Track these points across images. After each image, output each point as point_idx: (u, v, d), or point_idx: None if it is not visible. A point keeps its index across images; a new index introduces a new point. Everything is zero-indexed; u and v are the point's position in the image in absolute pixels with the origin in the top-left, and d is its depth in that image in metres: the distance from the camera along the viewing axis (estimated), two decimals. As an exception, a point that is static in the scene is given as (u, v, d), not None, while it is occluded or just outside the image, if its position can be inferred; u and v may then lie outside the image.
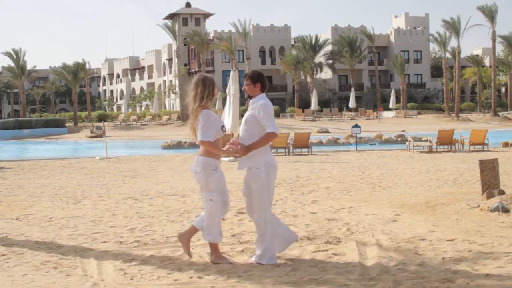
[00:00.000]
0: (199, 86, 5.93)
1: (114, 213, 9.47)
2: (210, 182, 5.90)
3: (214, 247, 6.05)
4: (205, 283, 5.33)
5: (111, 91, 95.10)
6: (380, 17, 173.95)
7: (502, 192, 9.35)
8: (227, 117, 20.77)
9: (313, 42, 68.24)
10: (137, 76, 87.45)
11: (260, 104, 5.95)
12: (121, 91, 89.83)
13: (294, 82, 67.05)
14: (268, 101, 6.03)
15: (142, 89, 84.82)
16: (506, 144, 25.17)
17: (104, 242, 7.24)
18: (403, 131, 42.29)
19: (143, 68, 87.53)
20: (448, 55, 64.60)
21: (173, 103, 73.62)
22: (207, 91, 5.93)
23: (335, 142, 31.57)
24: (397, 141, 31.11)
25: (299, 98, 65.99)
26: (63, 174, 16.84)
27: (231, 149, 5.95)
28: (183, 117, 59.10)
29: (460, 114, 60.13)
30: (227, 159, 21.17)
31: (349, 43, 68.02)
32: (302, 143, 23.97)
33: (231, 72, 22.43)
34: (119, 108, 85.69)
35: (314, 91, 59.52)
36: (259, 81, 6.08)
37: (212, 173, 5.90)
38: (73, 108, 65.55)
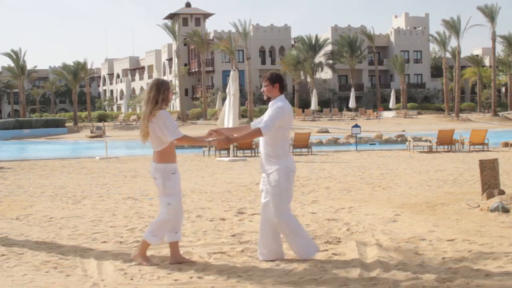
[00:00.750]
0: (153, 91, 5.92)
1: (114, 213, 9.47)
2: (168, 186, 5.92)
3: (145, 246, 6.06)
4: (205, 283, 5.33)
5: (111, 91, 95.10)
6: (380, 17, 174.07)
7: (502, 192, 9.35)
8: (227, 117, 20.72)
9: (313, 42, 68.23)
10: (137, 76, 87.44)
11: (277, 105, 5.99)
12: (121, 91, 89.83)
13: (294, 82, 67.06)
14: (287, 104, 6.05)
15: (142, 89, 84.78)
16: (506, 144, 25.16)
17: (104, 242, 7.24)
18: (403, 131, 42.28)
19: (143, 68, 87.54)
20: (448, 55, 64.59)
21: (173, 103, 73.61)
22: (162, 95, 5.90)
23: (335, 142, 31.56)
24: (397, 141, 31.10)
25: (299, 98, 66.00)
26: (63, 174, 16.84)
27: (214, 140, 5.98)
28: (183, 117, 59.13)
29: (460, 114, 60.12)
30: (227, 159, 21.16)
31: (349, 43, 68.00)
32: (302, 143, 23.97)
33: (231, 72, 22.41)
34: (119, 108, 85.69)
35: (314, 91, 59.53)
36: (277, 81, 6.11)
37: (171, 176, 5.93)
38: (73, 108, 65.53)
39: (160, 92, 5.91)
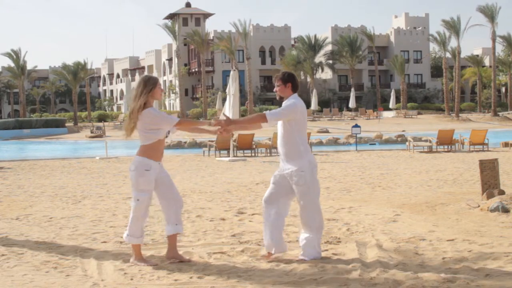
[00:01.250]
0: (140, 86, 5.96)
1: (114, 213, 9.47)
2: (141, 182, 5.92)
3: (135, 248, 6.05)
4: (205, 283, 5.33)
5: (111, 91, 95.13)
6: (380, 17, 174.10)
7: (502, 192, 9.35)
8: (227, 117, 20.67)
9: (313, 42, 68.22)
10: (137, 76, 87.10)
11: (289, 102, 5.96)
12: (121, 91, 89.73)
13: (294, 82, 67.06)
14: (299, 101, 5.99)
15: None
16: (506, 144, 25.16)
17: (104, 242, 7.24)
18: (403, 131, 42.28)
19: (143, 68, 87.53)
20: (448, 55, 64.60)
21: (173, 103, 73.63)
22: (145, 90, 5.91)
23: (335, 142, 31.55)
24: (397, 141, 31.10)
25: (299, 98, 65.97)
26: (63, 174, 16.84)
27: (216, 121, 6.00)
28: (183, 117, 59.15)
29: (460, 114, 60.12)
30: (227, 159, 21.16)
31: (349, 43, 68.00)
32: (302, 143, 23.94)
33: (231, 72, 22.41)
34: (119, 108, 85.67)
35: (314, 91, 59.49)
36: (290, 81, 6.05)
37: (145, 173, 5.91)
38: (73, 108, 65.51)
39: (145, 87, 5.92)
